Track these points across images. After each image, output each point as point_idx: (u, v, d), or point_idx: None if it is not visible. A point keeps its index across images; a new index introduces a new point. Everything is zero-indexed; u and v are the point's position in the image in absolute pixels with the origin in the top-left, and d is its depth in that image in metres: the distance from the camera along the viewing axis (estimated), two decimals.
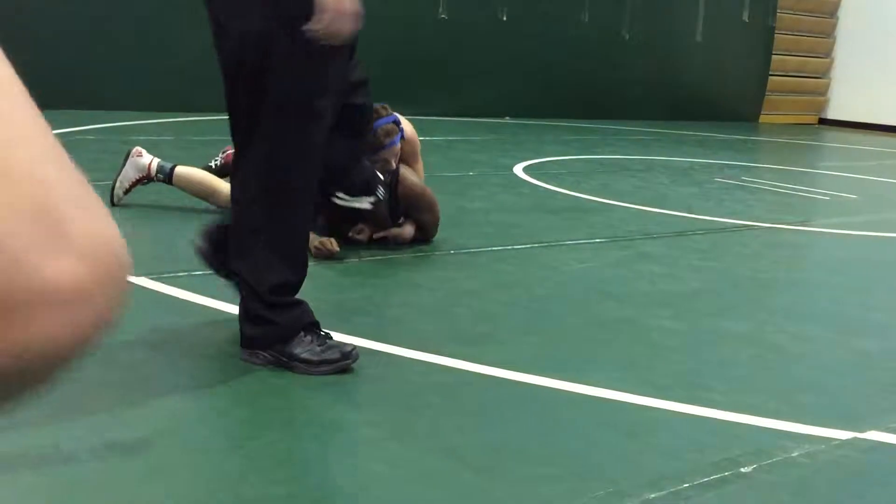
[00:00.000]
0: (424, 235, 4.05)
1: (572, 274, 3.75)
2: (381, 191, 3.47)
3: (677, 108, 12.65)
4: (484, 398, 2.40)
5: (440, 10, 10.40)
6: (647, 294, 3.50)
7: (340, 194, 3.41)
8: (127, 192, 4.17)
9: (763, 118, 13.76)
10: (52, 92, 8.00)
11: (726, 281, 3.90)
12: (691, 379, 2.61)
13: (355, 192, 3.39)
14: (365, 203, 3.45)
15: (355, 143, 3.05)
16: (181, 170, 4.17)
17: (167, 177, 4.15)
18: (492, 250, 4.05)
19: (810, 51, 14.09)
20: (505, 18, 10.89)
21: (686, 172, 7.31)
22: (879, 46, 13.34)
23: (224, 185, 4.00)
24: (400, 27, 9.98)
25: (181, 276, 3.23)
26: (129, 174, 4.16)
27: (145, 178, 4.17)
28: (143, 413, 2.14)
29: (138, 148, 4.26)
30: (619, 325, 3.07)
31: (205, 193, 4.18)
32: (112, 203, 4.13)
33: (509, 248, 4.12)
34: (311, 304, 3.13)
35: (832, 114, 14.21)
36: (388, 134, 3.84)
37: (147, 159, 4.18)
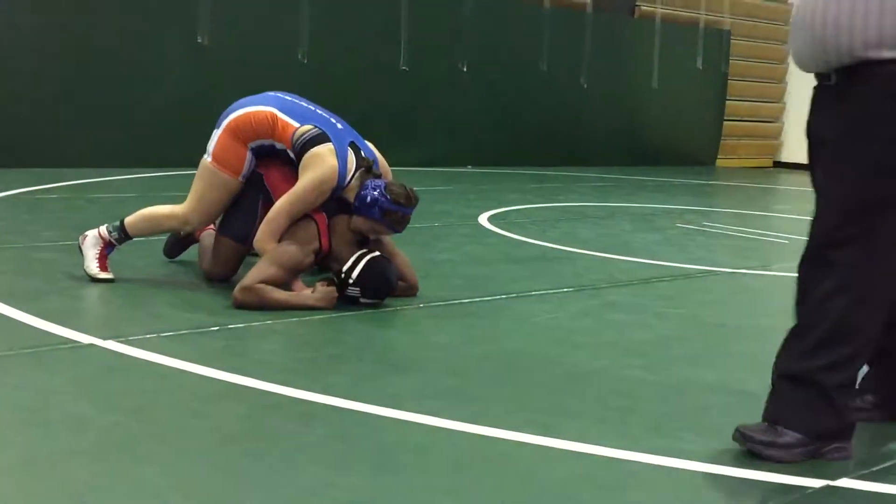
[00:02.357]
0: (408, 282, 4.07)
1: (541, 325, 3.77)
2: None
3: (636, 153, 12.85)
4: (459, 456, 2.40)
5: (401, 61, 10.52)
6: (615, 344, 3.53)
7: (355, 293, 3.83)
8: (101, 269, 4.01)
9: (720, 162, 14.01)
10: (15, 151, 7.97)
11: (693, 328, 3.94)
12: (666, 430, 2.63)
13: (370, 296, 3.82)
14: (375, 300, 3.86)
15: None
16: (130, 218, 4.06)
17: (120, 231, 4.03)
18: (461, 303, 4.07)
19: (763, 96, 14.43)
20: (465, 69, 11.04)
21: (647, 218, 7.41)
22: None
23: (168, 210, 4.07)
24: (361, 79, 10.07)
25: (150, 338, 3.21)
26: (89, 254, 4.02)
27: (106, 247, 4.03)
28: (116, 482, 2.11)
29: (82, 236, 4.09)
30: (591, 377, 3.10)
31: (161, 226, 4.12)
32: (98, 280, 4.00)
33: (478, 300, 4.14)
34: (284, 364, 3.14)
35: (786, 156, 14.51)
36: (402, 222, 3.97)
37: (93, 231, 4.05)
